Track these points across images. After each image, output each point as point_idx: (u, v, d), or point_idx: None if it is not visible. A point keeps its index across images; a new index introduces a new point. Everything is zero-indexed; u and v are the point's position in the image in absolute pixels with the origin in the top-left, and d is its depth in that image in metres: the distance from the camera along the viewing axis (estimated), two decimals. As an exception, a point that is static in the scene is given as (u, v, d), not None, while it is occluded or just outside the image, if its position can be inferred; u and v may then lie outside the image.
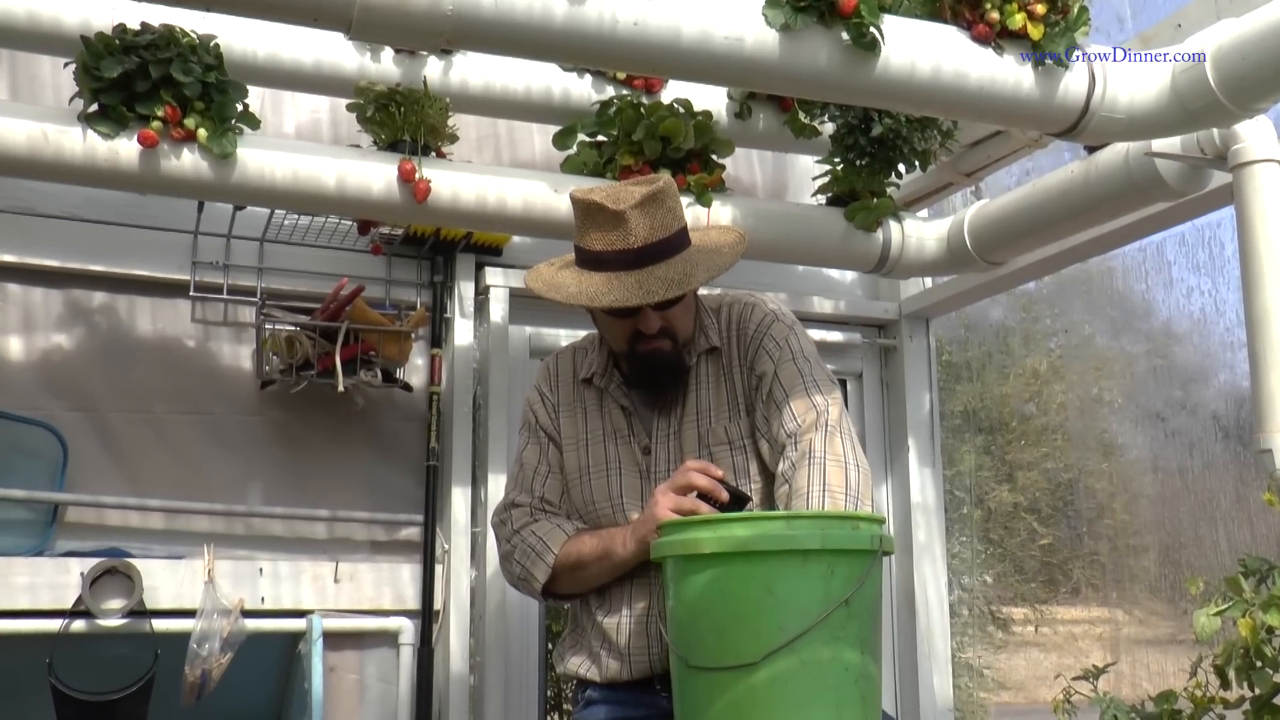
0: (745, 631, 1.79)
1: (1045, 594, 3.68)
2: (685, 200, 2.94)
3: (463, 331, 3.38)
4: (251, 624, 2.97)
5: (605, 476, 2.25)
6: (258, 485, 3.19)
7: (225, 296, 3.17)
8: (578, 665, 2.26)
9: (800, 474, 2.06)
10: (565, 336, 3.39)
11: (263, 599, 3.07)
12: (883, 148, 3.04)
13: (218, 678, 2.85)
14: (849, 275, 3.96)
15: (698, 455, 2.20)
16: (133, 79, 2.51)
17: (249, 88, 2.68)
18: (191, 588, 2.98)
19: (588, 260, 2.13)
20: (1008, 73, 2.32)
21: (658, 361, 2.18)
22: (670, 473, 2.17)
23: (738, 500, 2.05)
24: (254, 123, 2.66)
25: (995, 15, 2.29)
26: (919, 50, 2.26)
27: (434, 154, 2.84)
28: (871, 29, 2.18)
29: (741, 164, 3.84)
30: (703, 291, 2.33)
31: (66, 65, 2.56)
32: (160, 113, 2.53)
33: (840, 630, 1.78)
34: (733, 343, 2.26)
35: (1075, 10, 2.34)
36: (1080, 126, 2.39)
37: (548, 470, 2.30)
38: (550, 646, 3.53)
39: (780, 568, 1.79)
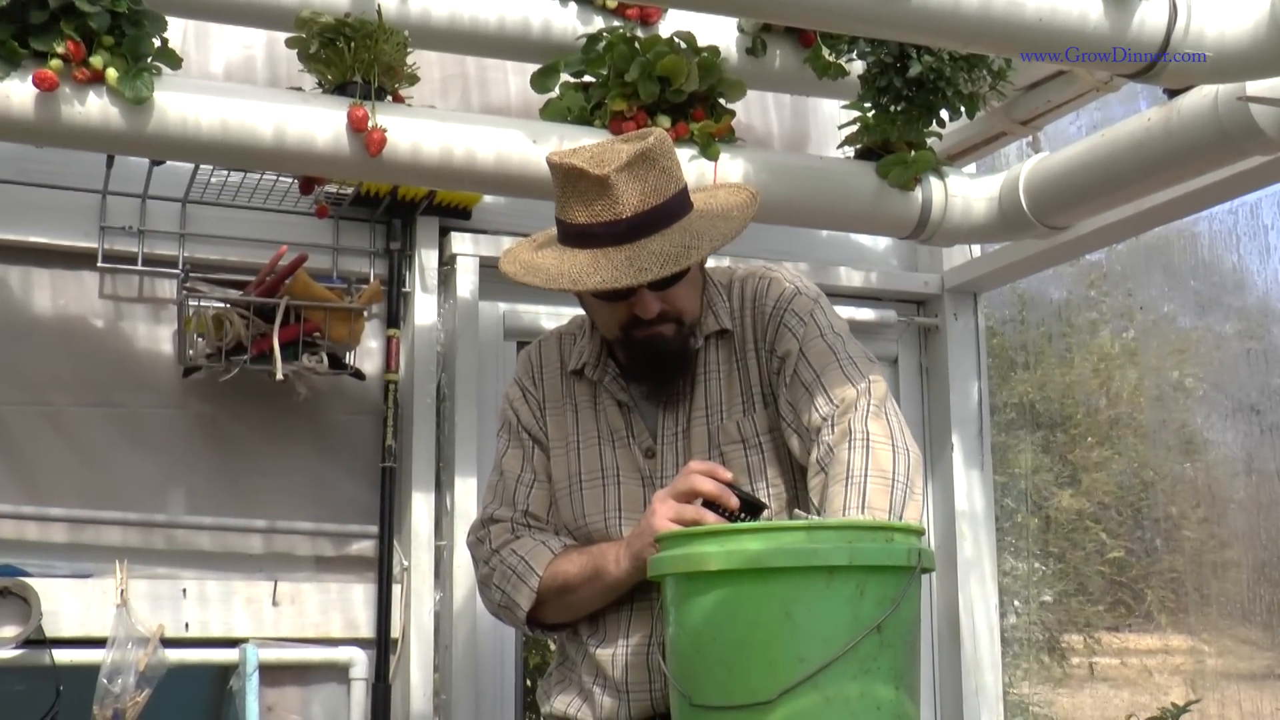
0: (759, 663, 1.78)
1: (1114, 619, 3.68)
2: (688, 153, 2.94)
3: (424, 308, 3.38)
4: (174, 655, 2.97)
5: (600, 486, 2.25)
6: (180, 491, 3.19)
7: (140, 268, 3.17)
8: (566, 705, 2.26)
9: (838, 458, 2.03)
10: (546, 314, 3.39)
11: (187, 625, 3.07)
12: (922, 91, 3.03)
13: (133, 719, 2.84)
14: (882, 242, 3.97)
15: (707, 456, 2.19)
16: (26, 8, 2.49)
17: (168, 19, 2.67)
18: (101, 612, 2.97)
19: (570, 235, 2.12)
20: (1071, 1, 2.30)
21: (659, 348, 2.18)
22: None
23: (751, 508, 2.04)
24: (174, 61, 2.65)
25: (1057, -69, 2.28)
26: (966, -27, 2.25)
27: (390, 98, 2.84)
28: (909, -53, 2.17)
29: (755, 109, 3.84)
30: (710, 263, 2.32)
31: (-53, -9, 2.54)
32: (61, 49, 2.51)
33: (871, 661, 1.78)
34: (747, 323, 2.26)
35: (1152, -75, 2.33)
36: (1159, 66, 2.37)
37: (533, 478, 2.30)
38: (528, 682, 3.53)
39: (800, 588, 1.78)
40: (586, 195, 2.07)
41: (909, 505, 2.01)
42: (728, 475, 2.05)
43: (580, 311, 2.40)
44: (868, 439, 2.03)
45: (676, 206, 2.11)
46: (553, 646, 2.41)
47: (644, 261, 2.04)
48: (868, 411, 2.07)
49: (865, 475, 2.00)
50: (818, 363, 2.15)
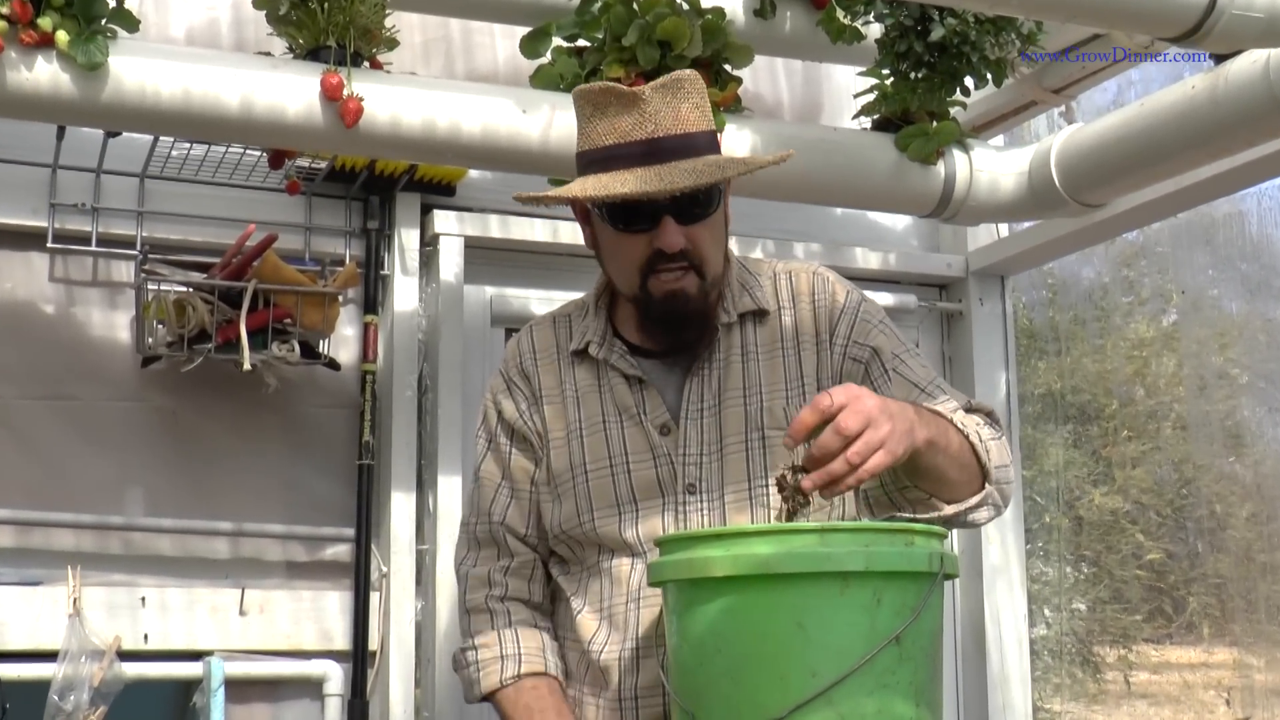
0: (768, 678, 1.78)
1: (1153, 629, 3.69)
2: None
3: (404, 293, 3.37)
4: (131, 669, 2.97)
5: (609, 475, 2.24)
6: (138, 491, 3.18)
7: (94, 248, 3.16)
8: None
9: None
10: (538, 299, 3.39)
11: (146, 637, 3.07)
12: (945, 56, 3.02)
13: (89, 738, 2.85)
14: (901, 221, 3.98)
15: (744, 438, 2.21)
16: (-31, -36, 2.49)
17: (125, -23, 2.66)
18: (52, 622, 2.97)
19: (593, 162, 2.15)
20: (1108, -45, 2.30)
21: (678, 301, 2.18)
22: (703, 456, 2.19)
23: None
24: (131, 23, 2.63)
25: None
26: (993, -74, 2.24)
27: (367, 64, 2.83)
28: (932, -102, 2.17)
29: (763, 77, 3.84)
30: (736, 249, 2.36)
31: (-119, -53, 2.53)
32: (5, 10, 2.50)
33: (889, 676, 1.78)
34: (803, 313, 2.29)
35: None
36: (1204, 29, 2.37)
37: (511, 490, 2.32)
38: (517, 698, 3.52)
39: (812, 595, 1.78)
40: (615, 113, 2.12)
41: (995, 470, 2.12)
42: None
43: (574, 295, 2.41)
44: (1001, 435, 2.19)
45: (706, 143, 2.15)
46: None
47: (674, 176, 2.07)
48: (998, 419, 2.25)
49: (982, 433, 2.13)
50: (925, 374, 2.26)
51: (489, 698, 2.26)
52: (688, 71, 2.16)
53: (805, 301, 2.30)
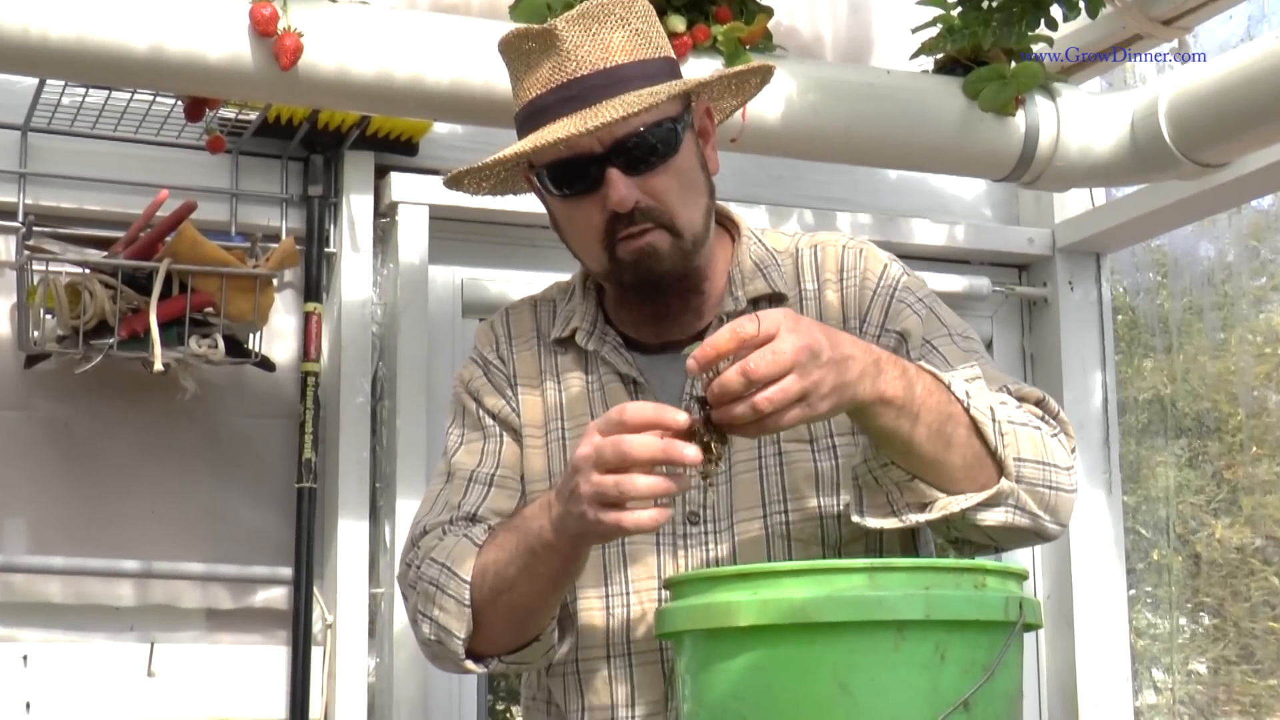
0: (805, 753, 1.77)
1: (1292, 695, 3.69)
2: (712, 65, 2.92)
3: (355, 275, 3.40)
4: (13, 745, 2.98)
5: None
6: (20, 522, 3.20)
7: (-33, 219, 3.18)
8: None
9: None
10: (519, 283, 3.39)
11: (28, 705, 3.08)
12: (1026, -19, 3.01)
13: (-42, 830, 2.85)
14: (972, 187, 4.01)
15: (757, 455, 2.20)
16: None
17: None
18: (-85, 686, 2.99)
19: (524, 123, 2.19)
20: None
21: (651, 260, 2.18)
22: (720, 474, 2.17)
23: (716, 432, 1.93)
24: (13, -60, 2.63)
25: None
26: None
27: (307, -9, 2.82)
28: None
29: (798, 8, 3.85)
30: (759, 225, 2.33)
31: None
32: None
33: (958, 751, 1.76)
34: (827, 296, 2.29)
35: None
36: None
37: (491, 475, 2.28)
38: (495, 778, 3.52)
39: (860, 650, 1.77)
40: (538, 64, 2.16)
41: (1018, 463, 2.00)
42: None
43: (562, 277, 2.42)
44: (1061, 430, 2.12)
45: (647, 74, 2.15)
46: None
47: (598, 117, 2.08)
48: (1058, 412, 2.15)
49: (1001, 414, 2.02)
50: (960, 359, 2.18)
51: (475, 597, 2.12)
52: None
53: (832, 282, 2.29)
